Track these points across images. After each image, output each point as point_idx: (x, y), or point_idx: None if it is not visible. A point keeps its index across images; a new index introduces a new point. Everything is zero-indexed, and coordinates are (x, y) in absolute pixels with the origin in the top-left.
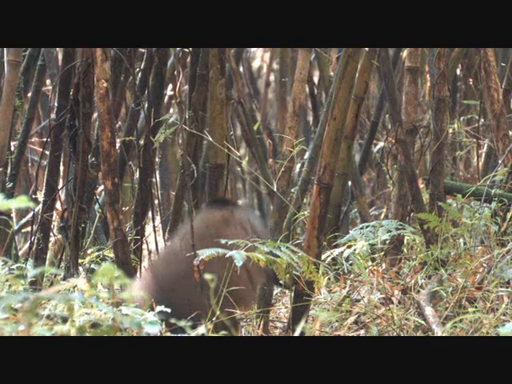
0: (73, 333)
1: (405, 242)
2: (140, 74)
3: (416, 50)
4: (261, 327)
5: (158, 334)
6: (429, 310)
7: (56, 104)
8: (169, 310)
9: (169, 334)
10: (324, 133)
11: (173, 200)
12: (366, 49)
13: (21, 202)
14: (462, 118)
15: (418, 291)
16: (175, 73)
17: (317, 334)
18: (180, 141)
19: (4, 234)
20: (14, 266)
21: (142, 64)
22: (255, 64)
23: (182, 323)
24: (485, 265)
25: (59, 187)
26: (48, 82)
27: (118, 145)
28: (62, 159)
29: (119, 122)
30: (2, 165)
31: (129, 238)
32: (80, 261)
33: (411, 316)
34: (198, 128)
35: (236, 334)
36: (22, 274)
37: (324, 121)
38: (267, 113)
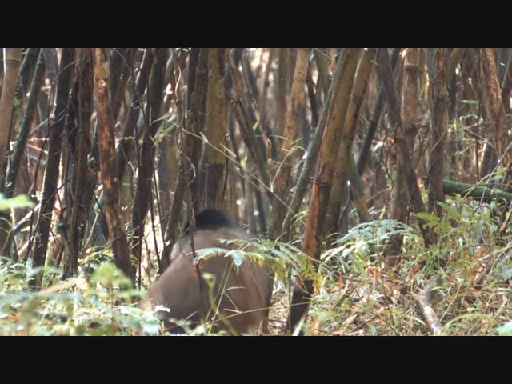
0: (72, 332)
1: (404, 241)
2: (139, 74)
3: (415, 50)
4: (260, 327)
5: (157, 334)
6: (428, 310)
7: (55, 103)
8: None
9: (168, 334)
10: (323, 132)
11: (172, 200)
12: (365, 48)
13: (20, 201)
14: (461, 118)
15: (417, 291)
16: (174, 72)
17: (316, 333)
18: (179, 140)
19: (3, 234)
20: (13, 266)
21: (141, 64)
22: (254, 63)
23: (180, 322)
24: (484, 264)
25: (58, 187)
26: (47, 81)
27: (117, 144)
28: (61, 159)
29: (118, 122)
30: (0, 164)
31: (128, 238)
32: (79, 260)
33: (410, 316)
34: (197, 127)
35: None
36: (21, 273)
37: (323, 120)
38: (266, 112)
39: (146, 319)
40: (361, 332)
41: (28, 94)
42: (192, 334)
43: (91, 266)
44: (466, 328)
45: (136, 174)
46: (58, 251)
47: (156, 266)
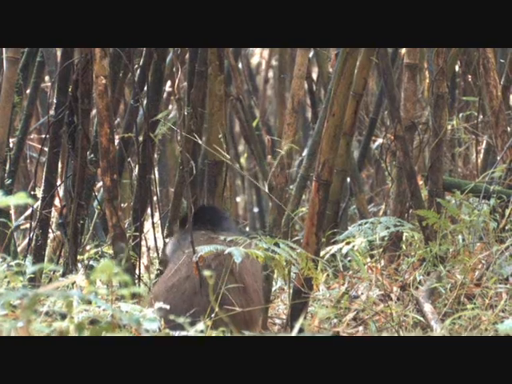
0: (72, 329)
1: (403, 238)
2: (139, 71)
3: None
4: (259, 324)
5: (157, 331)
6: (428, 307)
7: (55, 100)
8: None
9: (168, 331)
10: (323, 129)
11: (172, 196)
12: None
13: (19, 198)
14: (460, 115)
15: (417, 288)
16: (174, 69)
17: (315, 330)
18: (179, 137)
19: (3, 231)
20: (12, 263)
21: (141, 60)
22: (254, 60)
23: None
24: (483, 261)
25: (58, 184)
26: (47, 78)
27: (116, 141)
28: (60, 156)
29: (118, 119)
30: (0, 161)
31: (127, 235)
32: (79, 257)
33: (410, 312)
34: (197, 124)
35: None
36: (20, 270)
37: (323, 117)
38: (266, 109)
39: (146, 316)
40: (360, 329)
41: (28, 91)
42: (192, 331)
43: (91, 262)
44: (466, 325)
45: (136, 171)
46: (57, 248)
47: (156, 262)
